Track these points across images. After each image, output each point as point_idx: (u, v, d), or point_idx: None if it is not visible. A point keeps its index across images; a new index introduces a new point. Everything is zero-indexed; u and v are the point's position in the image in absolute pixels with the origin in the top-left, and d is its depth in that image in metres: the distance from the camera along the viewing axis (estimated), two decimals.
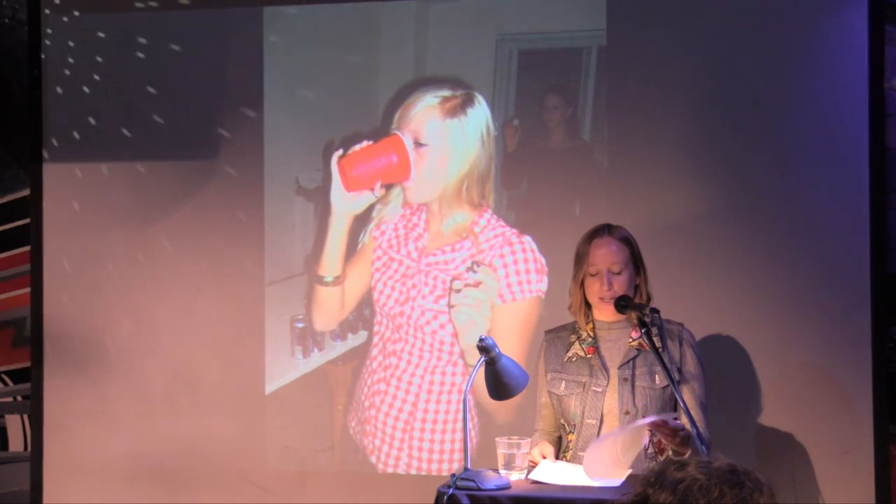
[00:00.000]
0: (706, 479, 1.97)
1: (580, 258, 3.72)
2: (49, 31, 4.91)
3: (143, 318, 4.86)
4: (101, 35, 4.88)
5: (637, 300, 3.68)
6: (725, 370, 4.33)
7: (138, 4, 4.85)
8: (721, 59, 4.41)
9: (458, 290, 4.57)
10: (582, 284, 3.71)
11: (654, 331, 3.62)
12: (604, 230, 3.72)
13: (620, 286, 3.65)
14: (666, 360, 3.56)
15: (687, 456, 3.44)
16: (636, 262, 3.71)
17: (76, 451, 4.88)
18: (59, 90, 4.90)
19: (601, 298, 3.66)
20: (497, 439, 3.49)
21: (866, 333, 4.30)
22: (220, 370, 4.79)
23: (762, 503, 1.97)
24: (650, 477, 2.01)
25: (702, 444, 3.35)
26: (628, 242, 3.70)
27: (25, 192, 4.98)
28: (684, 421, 3.53)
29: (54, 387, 4.90)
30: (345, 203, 4.69)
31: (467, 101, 4.59)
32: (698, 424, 3.44)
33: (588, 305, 3.73)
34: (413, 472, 4.62)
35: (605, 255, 3.66)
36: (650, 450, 3.56)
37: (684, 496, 1.95)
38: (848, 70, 4.31)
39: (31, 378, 4.93)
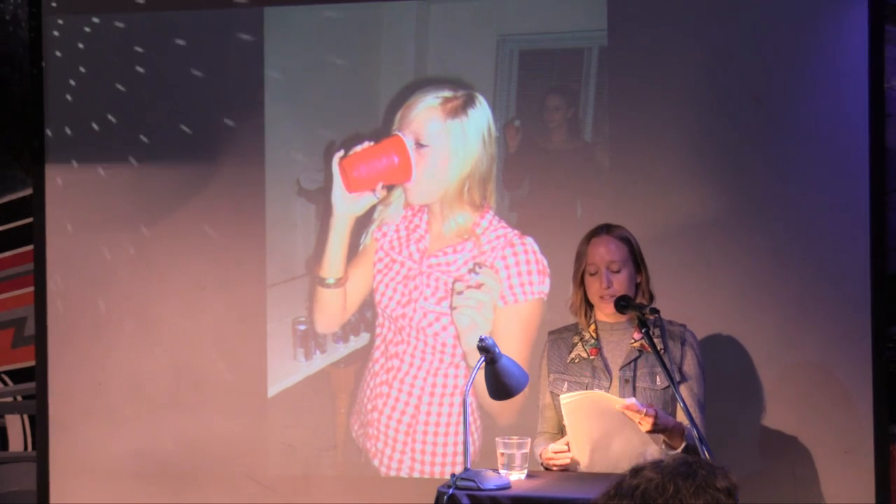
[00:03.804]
0: (660, 477, 2.03)
1: (579, 257, 3.80)
2: (49, 30, 4.95)
3: (146, 318, 4.90)
4: (102, 35, 4.92)
5: (639, 299, 3.75)
6: (727, 370, 4.39)
7: (139, 3, 4.89)
8: (722, 59, 4.46)
9: (460, 292, 4.61)
10: (582, 284, 3.79)
11: (656, 332, 3.69)
12: (602, 229, 3.80)
13: (619, 284, 3.73)
14: (667, 361, 3.63)
15: (680, 449, 3.55)
16: (636, 261, 3.78)
17: (81, 451, 4.92)
18: (59, 90, 4.94)
19: (601, 297, 3.73)
20: (497, 439, 3.54)
21: (866, 333, 4.35)
22: (223, 371, 4.83)
23: (721, 486, 2.03)
24: (610, 490, 2.07)
25: (702, 445, 3.41)
26: (627, 241, 3.78)
27: (26, 192, 5.01)
28: (681, 419, 3.62)
29: (59, 386, 4.95)
30: (346, 204, 4.73)
31: (468, 102, 4.63)
32: (698, 424, 3.51)
33: (589, 305, 3.80)
34: (416, 475, 4.66)
35: (604, 254, 3.74)
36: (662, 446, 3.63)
37: (643, 499, 2.01)
38: (848, 70, 4.36)
39: (35, 378, 4.97)
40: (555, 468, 3.65)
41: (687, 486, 2.03)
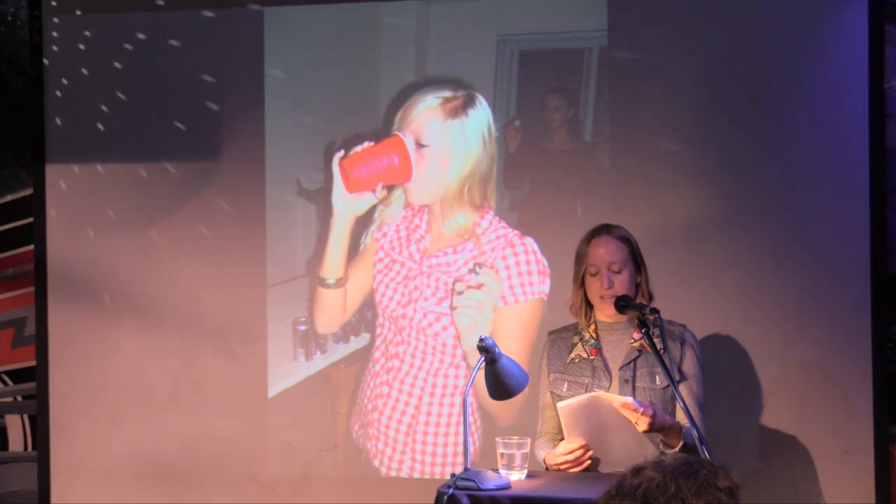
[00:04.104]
0: (661, 477, 2.04)
1: (580, 258, 3.81)
2: (50, 30, 4.96)
3: (147, 318, 4.91)
4: (102, 35, 4.94)
5: (639, 299, 3.76)
6: (726, 370, 4.41)
7: (140, 3, 4.90)
8: (721, 59, 4.48)
9: (461, 292, 4.63)
10: (582, 284, 3.80)
11: (656, 332, 3.70)
12: (602, 230, 3.81)
13: (621, 284, 3.74)
14: (666, 360, 3.64)
15: (678, 448, 3.55)
16: (636, 261, 3.79)
17: (81, 451, 4.94)
18: (59, 90, 4.96)
19: (601, 297, 3.74)
20: (497, 439, 3.54)
21: (866, 333, 4.37)
22: (223, 371, 4.85)
23: (722, 486, 2.04)
24: (611, 489, 2.08)
25: (702, 444, 3.42)
26: (627, 241, 3.79)
27: (26, 192, 5.02)
28: (681, 418, 3.63)
29: (59, 386, 4.97)
30: (346, 204, 4.74)
31: (468, 102, 4.65)
32: (698, 425, 3.51)
33: (589, 305, 3.82)
34: (416, 475, 4.68)
35: (605, 254, 3.75)
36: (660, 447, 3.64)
37: (644, 499, 2.02)
38: (848, 70, 4.38)
39: (36, 378, 4.99)
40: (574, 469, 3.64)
41: (688, 486, 2.04)
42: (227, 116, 4.86)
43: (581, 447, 3.59)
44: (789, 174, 4.45)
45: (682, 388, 3.69)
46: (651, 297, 3.81)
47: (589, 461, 3.62)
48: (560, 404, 3.63)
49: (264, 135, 4.83)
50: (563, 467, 3.62)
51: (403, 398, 4.71)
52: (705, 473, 2.06)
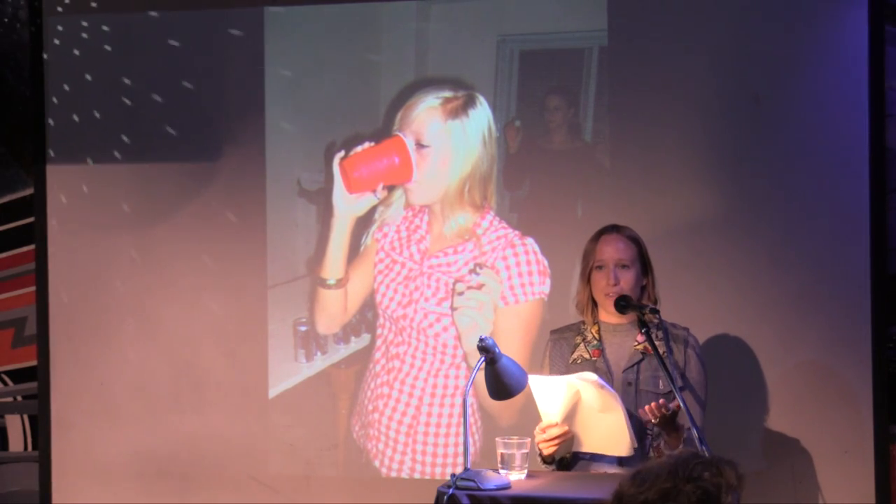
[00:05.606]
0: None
1: (587, 255, 3.81)
2: (49, 30, 4.98)
3: (148, 318, 4.94)
4: (102, 35, 4.96)
5: (644, 302, 3.76)
6: (727, 371, 4.41)
7: (140, 3, 4.92)
8: (721, 59, 4.49)
9: (461, 293, 4.64)
10: (589, 281, 3.80)
11: (659, 334, 3.71)
12: (612, 228, 3.83)
13: (627, 282, 3.74)
14: (668, 364, 3.64)
15: (679, 449, 3.56)
16: (644, 263, 3.80)
17: (83, 451, 4.97)
18: (59, 90, 4.98)
19: (606, 295, 3.74)
20: (497, 439, 3.55)
21: (866, 333, 4.38)
22: (224, 371, 4.87)
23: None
24: (627, 478, 2.12)
25: (702, 445, 3.42)
26: (636, 242, 3.81)
27: (27, 192, 5.04)
28: (681, 419, 3.62)
29: (61, 386, 4.99)
30: (347, 204, 4.76)
31: (469, 102, 4.67)
32: (700, 427, 3.52)
33: (594, 304, 3.81)
34: (417, 476, 4.70)
35: (613, 251, 3.76)
36: (651, 453, 3.67)
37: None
38: (848, 70, 4.39)
39: (37, 378, 5.01)
40: (549, 449, 3.65)
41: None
42: (227, 116, 4.88)
43: (556, 426, 3.60)
44: (789, 174, 4.46)
45: (687, 393, 3.69)
46: (657, 302, 3.80)
47: (563, 439, 3.63)
48: (532, 377, 3.62)
49: (265, 135, 4.84)
50: (541, 447, 3.64)
51: (404, 399, 4.73)
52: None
